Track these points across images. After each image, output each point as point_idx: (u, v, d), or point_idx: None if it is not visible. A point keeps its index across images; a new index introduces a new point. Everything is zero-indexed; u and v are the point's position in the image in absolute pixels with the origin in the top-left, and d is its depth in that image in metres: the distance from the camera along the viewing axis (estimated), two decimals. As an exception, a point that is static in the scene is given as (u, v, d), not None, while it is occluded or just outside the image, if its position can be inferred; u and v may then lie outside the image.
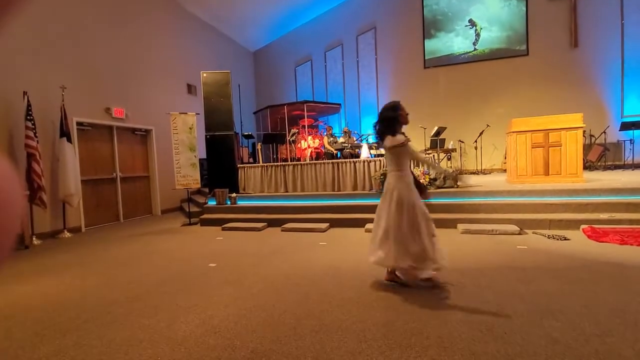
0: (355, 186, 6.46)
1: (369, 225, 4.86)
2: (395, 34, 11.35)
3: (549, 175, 5.68)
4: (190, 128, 6.64)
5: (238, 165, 7.35)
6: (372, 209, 5.54)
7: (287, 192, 6.89)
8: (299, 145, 9.22)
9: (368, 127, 11.76)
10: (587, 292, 2.45)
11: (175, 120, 6.57)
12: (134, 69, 7.58)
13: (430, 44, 11.00)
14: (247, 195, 7.00)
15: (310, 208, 5.95)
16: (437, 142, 8.16)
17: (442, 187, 5.74)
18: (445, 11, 10.84)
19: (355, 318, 2.23)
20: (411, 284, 2.74)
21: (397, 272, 2.79)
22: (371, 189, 6.24)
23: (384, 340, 1.95)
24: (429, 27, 11.00)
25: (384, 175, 5.73)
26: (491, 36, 10.49)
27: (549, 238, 3.99)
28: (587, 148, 8.50)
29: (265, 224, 5.63)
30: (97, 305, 2.66)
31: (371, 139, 11.07)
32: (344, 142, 8.56)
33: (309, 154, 8.91)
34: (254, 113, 11.45)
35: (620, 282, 2.62)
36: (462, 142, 10.19)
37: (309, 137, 9.13)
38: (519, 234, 4.24)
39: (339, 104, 10.06)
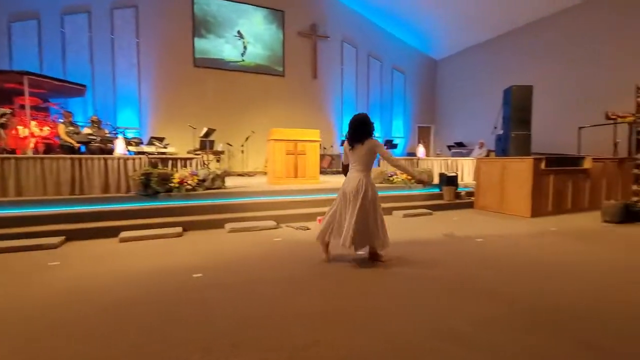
0: (106, 188, 5.33)
1: (125, 234, 4.12)
2: (162, 21, 10.42)
3: (297, 177, 6.91)
4: None
5: None
6: (131, 214, 4.79)
7: (-12, 197, 4.74)
8: (14, 131, 6.62)
9: (126, 119, 10.14)
10: (320, 268, 3.11)
11: None
12: None
13: (201, 44, 10.86)
14: None
15: (33, 218, 4.36)
16: (206, 144, 8.12)
17: (211, 189, 5.74)
18: (216, 15, 11.05)
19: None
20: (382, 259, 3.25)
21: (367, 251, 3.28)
22: (128, 190, 5.36)
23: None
24: (200, 26, 10.85)
25: (147, 175, 5.08)
26: (256, 52, 11.65)
27: (296, 229, 4.81)
28: (322, 157, 11.02)
29: (-62, 247, 3.61)
30: None
31: (131, 134, 9.59)
32: (91, 134, 6.92)
33: (32, 145, 6.58)
34: None
35: (339, 257, 3.50)
36: (231, 145, 10.69)
37: (33, 123, 6.76)
38: (276, 228, 4.87)
39: (84, 86, 8.03)
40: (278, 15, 11.84)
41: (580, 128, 7.67)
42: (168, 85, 10.47)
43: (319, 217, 5.32)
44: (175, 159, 6.02)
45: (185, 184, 5.31)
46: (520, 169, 5.89)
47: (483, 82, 12.12)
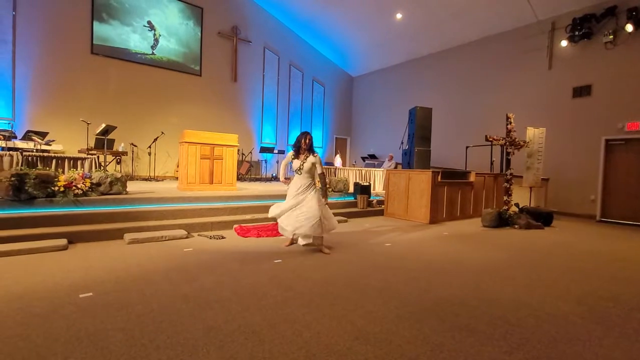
0: (-42, 191, 4.22)
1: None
2: (52, -3, 8.87)
3: (213, 183, 6.53)
4: None
5: None
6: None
7: None
8: None
9: (-5, 107, 8.32)
10: (234, 280, 2.96)
11: None
12: None
13: (101, 29, 9.56)
14: None
15: None
16: (104, 142, 7.11)
17: (108, 194, 5.02)
18: (122, 0, 9.90)
19: None
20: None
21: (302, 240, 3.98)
22: (-7, 195, 4.33)
23: None
24: (101, 9, 9.56)
25: (20, 176, 4.18)
26: (169, 47, 10.77)
27: (210, 238, 4.52)
28: (240, 163, 10.66)
29: None
30: None
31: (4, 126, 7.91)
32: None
33: None
34: None
35: (255, 266, 3.40)
36: (135, 145, 9.59)
37: None
38: (187, 237, 4.49)
39: None
40: (196, 12, 11.19)
41: (467, 147, 9.01)
42: (55, 71, 8.91)
43: (235, 226, 5.10)
44: (61, 158, 5.11)
45: (74, 187, 4.54)
46: (422, 180, 6.62)
47: (393, 101, 13.37)
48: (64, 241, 3.73)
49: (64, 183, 4.47)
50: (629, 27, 7.51)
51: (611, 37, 7.88)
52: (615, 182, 8.04)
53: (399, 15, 10.64)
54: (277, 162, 12.83)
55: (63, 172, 4.80)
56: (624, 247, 5.14)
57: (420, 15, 10.46)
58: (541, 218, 6.64)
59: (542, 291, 2.96)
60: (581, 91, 8.49)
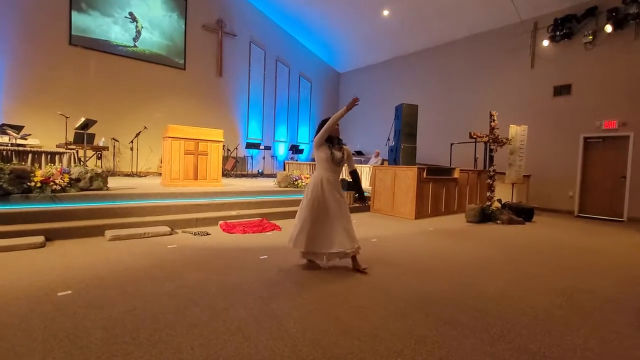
0: None
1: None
2: (27, -15, 8.49)
3: (197, 179, 6.42)
4: None
5: None
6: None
7: None
8: None
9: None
10: (219, 277, 2.92)
11: None
12: None
13: (80, 19, 9.22)
14: None
15: None
16: (83, 137, 6.89)
17: (88, 190, 4.87)
18: (102, -10, 9.56)
19: None
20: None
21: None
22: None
23: None
24: (80, -2, 9.20)
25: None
26: (152, 39, 10.49)
27: (195, 235, 4.45)
28: (225, 159, 10.53)
29: None
30: None
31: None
32: None
33: None
34: None
35: (241, 262, 3.37)
36: (117, 140, 9.33)
37: None
38: (170, 234, 4.41)
39: None
40: (180, 4, 10.91)
41: (452, 144, 9.15)
42: (31, 62, 8.55)
43: (220, 222, 5.03)
44: (38, 153, 4.92)
45: (52, 183, 4.38)
46: (407, 176, 6.69)
47: (379, 98, 13.42)
48: (41, 238, 3.60)
49: (41, 178, 4.31)
50: (609, 28, 7.74)
51: (591, 37, 8.11)
52: (592, 179, 8.32)
53: (385, 12, 10.66)
54: (263, 158, 12.72)
55: (40, 167, 4.63)
56: (599, 241, 5.33)
57: (406, 13, 10.50)
58: (523, 213, 6.81)
59: (522, 284, 3.04)
60: (561, 90, 8.73)
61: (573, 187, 8.51)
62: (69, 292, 2.44)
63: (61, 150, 5.94)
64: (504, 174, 7.70)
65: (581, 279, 3.26)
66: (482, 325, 2.20)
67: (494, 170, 7.02)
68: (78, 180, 4.78)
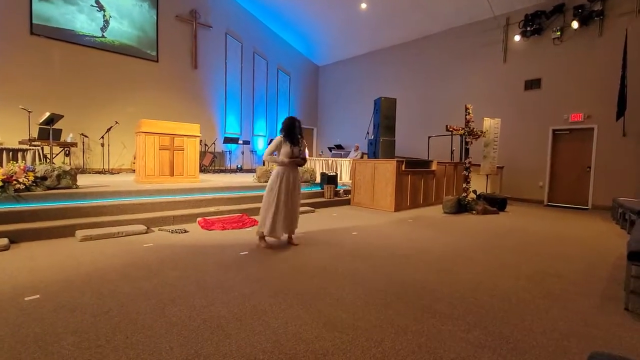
0: None
1: None
2: (-20, -31, 7.88)
3: (173, 175, 6.24)
4: None
5: None
6: None
7: None
8: None
9: None
10: (198, 274, 2.86)
11: None
12: None
13: (42, 7, 8.66)
14: None
15: None
16: (49, 132, 6.52)
17: (56, 188, 4.62)
18: (66, -23, 9.01)
19: None
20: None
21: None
22: None
23: None
24: (41, -15, 8.64)
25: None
26: (122, 30, 10.02)
27: (172, 233, 4.33)
28: (202, 154, 10.28)
29: None
30: None
31: None
32: None
33: None
34: None
35: (220, 259, 3.31)
36: (86, 136, 8.91)
37: None
38: (146, 232, 4.27)
39: None
40: (151, -7, 10.46)
41: (429, 137, 9.33)
42: (-11, 54, 7.99)
43: (199, 219, 4.93)
44: (-2, 150, 4.63)
45: (15, 182, 4.13)
46: (387, 169, 6.77)
47: (358, 91, 13.47)
48: (4, 240, 3.40)
49: (3, 177, 4.05)
50: (575, 24, 8.08)
51: (558, 33, 8.43)
52: (560, 170, 8.74)
53: (363, 5, 10.65)
54: (242, 153, 12.52)
55: (1, 166, 4.35)
56: (567, 228, 5.62)
57: (383, 5, 10.53)
58: (496, 204, 7.07)
59: (496, 271, 3.16)
60: (532, 84, 9.06)
61: (543, 177, 8.91)
62: (37, 296, 2.32)
63: (24, 147, 5.60)
64: (479, 165, 7.94)
65: (549, 264, 3.43)
66: (459, 312, 2.27)
67: (469, 162, 7.22)
68: (44, 178, 4.53)
